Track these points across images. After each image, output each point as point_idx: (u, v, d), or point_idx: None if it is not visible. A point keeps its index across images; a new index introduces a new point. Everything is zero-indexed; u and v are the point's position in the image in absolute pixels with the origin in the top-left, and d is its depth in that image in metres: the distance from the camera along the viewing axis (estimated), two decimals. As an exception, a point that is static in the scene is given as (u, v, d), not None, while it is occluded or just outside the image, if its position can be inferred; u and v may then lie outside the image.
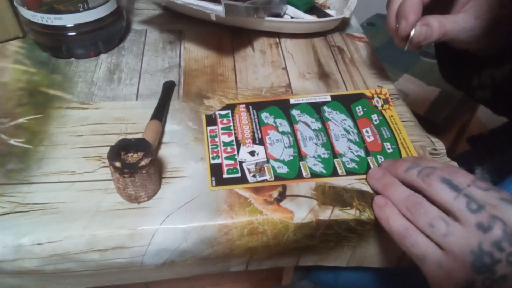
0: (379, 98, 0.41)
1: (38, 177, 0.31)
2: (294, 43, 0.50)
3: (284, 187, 0.33)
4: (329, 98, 0.41)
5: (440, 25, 0.34)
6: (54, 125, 0.36)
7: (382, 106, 0.40)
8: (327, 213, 0.32)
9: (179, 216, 0.30)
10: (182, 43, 0.47)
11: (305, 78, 0.45)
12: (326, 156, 0.36)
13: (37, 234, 0.28)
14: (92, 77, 0.41)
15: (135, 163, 0.27)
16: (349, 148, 0.36)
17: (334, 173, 0.34)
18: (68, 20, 0.39)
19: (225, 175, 0.33)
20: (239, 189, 0.32)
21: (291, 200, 0.32)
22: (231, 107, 0.39)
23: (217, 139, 0.36)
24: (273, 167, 0.34)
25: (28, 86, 0.39)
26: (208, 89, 0.42)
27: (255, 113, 0.38)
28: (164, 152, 0.35)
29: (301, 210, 0.31)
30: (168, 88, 0.40)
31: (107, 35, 0.43)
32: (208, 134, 0.36)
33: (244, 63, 0.46)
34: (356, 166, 0.35)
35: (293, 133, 0.37)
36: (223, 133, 0.36)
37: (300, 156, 0.35)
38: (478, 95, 0.41)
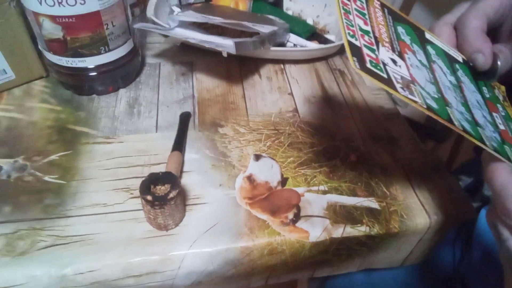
0: (499, 91, 0.34)
1: (74, 210, 0.34)
2: (298, 69, 0.53)
3: (298, 209, 0.36)
4: (460, 59, 0.32)
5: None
6: (83, 160, 0.39)
7: (503, 100, 0.33)
8: (340, 231, 0.34)
9: (205, 241, 0.33)
10: (194, 74, 0.51)
11: (310, 102, 0.48)
12: (469, 118, 0.27)
13: (78, 264, 0.31)
14: (114, 112, 0.44)
15: (164, 195, 0.30)
16: (486, 124, 0.28)
17: (482, 141, 0.26)
18: (91, 62, 0.42)
19: (368, 65, 0.24)
20: (257, 211, 0.35)
21: (305, 221, 0.35)
22: None
23: (351, 17, 0.26)
24: (421, 93, 0.25)
25: (56, 124, 0.42)
26: (221, 117, 0.45)
27: (390, 20, 0.29)
28: (186, 180, 0.38)
29: (316, 230, 0.34)
30: (185, 119, 0.44)
31: (125, 72, 0.46)
32: (341, 5, 0.26)
33: (252, 90, 0.49)
34: (497, 147, 0.27)
35: (431, 71, 0.28)
36: (357, 15, 0.27)
37: (444, 100, 0.27)
38: None
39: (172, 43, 0.53)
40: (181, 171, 0.39)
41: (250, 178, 0.38)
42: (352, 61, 0.23)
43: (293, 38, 0.53)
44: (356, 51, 0.24)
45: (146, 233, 0.33)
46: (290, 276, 0.38)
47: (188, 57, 0.54)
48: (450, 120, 0.25)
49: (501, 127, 0.30)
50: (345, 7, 0.27)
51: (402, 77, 0.25)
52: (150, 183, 0.32)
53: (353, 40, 0.25)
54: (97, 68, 0.43)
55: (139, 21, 0.47)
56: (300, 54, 0.52)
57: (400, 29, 0.30)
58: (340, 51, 0.56)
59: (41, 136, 0.41)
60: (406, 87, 0.25)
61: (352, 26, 0.26)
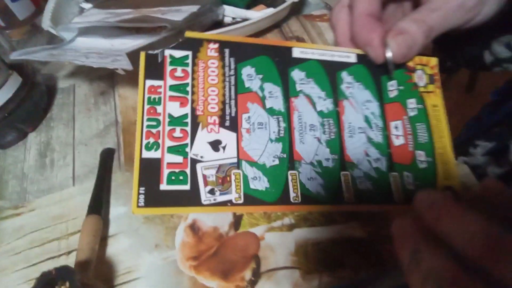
0: (424, 72, 0.26)
1: (-22, 325, 0.27)
2: (244, 49, 0.41)
3: (258, 262, 0.27)
4: (353, 59, 0.25)
5: (418, 24, 0.23)
6: (-12, 247, 0.31)
7: (425, 86, 0.26)
8: (314, 284, 0.26)
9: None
10: (116, 89, 0.40)
11: (263, 95, 0.37)
12: (330, 164, 0.23)
13: None
14: (23, 168, 0.36)
15: (57, 311, 0.22)
16: (366, 154, 0.23)
17: (338, 199, 0.22)
18: (-33, 119, 0.33)
19: (163, 185, 0.20)
20: (205, 276, 0.27)
21: (268, 278, 0.26)
22: (195, 44, 0.23)
23: (159, 109, 0.21)
24: (244, 177, 0.21)
25: (-45, 202, 0.34)
26: (153, 144, 0.35)
27: (232, 64, 0.24)
28: (112, 248, 0.29)
29: (282, 291, 0.25)
30: (106, 159, 0.34)
31: (25, 114, 0.37)
32: (146, 96, 0.22)
33: (189, 95, 0.38)
34: (371, 188, 0.22)
35: (288, 113, 0.23)
36: (172, 97, 0.22)
37: (290, 159, 0.22)
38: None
39: (52, 71, 0.41)
40: (106, 236, 0.30)
41: (193, 227, 0.30)
42: (135, 198, 0.20)
43: (229, 11, 0.41)
44: (151, 171, 0.20)
45: None
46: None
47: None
48: (282, 200, 0.21)
49: (398, 141, 0.24)
50: (151, 95, 0.22)
51: (219, 167, 0.21)
52: (41, 290, 0.23)
53: (151, 155, 0.21)
54: (-17, 121, 0.34)
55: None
56: (242, 31, 0.40)
57: (246, 71, 0.24)
58: (295, 9, 0.44)
59: None
60: (221, 182, 0.21)
61: (158, 125, 0.21)
